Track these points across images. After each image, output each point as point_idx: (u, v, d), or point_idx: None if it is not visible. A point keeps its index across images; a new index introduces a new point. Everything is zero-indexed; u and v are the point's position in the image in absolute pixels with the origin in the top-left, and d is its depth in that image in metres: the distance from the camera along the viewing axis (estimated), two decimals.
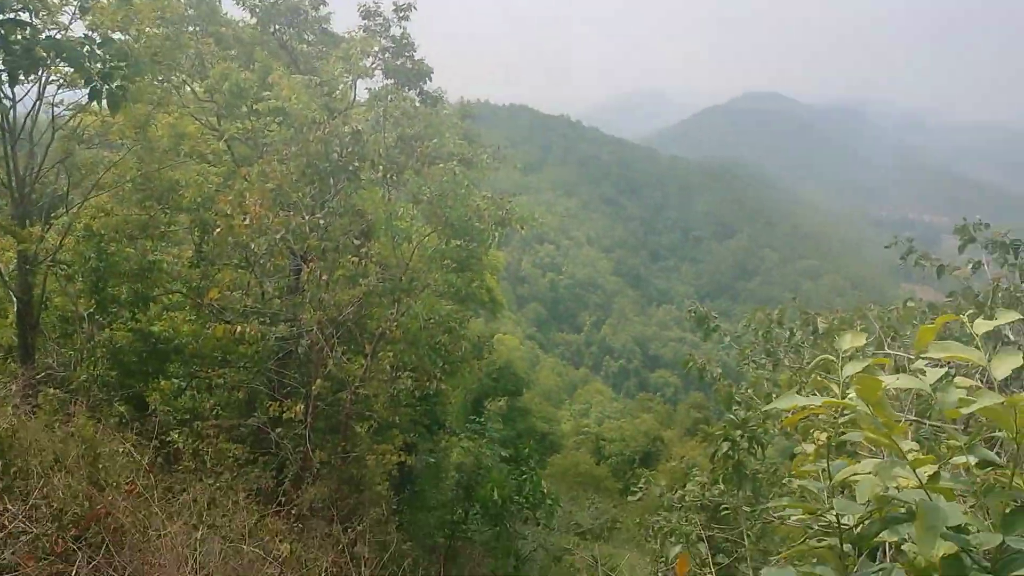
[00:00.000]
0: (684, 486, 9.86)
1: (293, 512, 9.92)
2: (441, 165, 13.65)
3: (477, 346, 16.51)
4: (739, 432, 8.15)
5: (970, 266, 8.24)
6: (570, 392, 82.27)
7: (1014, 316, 1.67)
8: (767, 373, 9.27)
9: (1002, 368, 1.47)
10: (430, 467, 19.47)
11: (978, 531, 1.48)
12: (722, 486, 8.83)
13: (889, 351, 7.98)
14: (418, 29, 18.48)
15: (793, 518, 1.82)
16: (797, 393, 1.72)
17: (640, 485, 9.94)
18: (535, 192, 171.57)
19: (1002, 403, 1.37)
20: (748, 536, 7.90)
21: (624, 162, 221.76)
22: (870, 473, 1.53)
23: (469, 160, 14.59)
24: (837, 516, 1.72)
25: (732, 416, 8.29)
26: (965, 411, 1.42)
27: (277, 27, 17.32)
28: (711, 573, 6.53)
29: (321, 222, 12.14)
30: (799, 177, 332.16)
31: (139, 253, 13.29)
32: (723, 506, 9.05)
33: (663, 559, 8.97)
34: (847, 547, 1.75)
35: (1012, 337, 7.47)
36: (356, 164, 12.64)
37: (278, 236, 11.95)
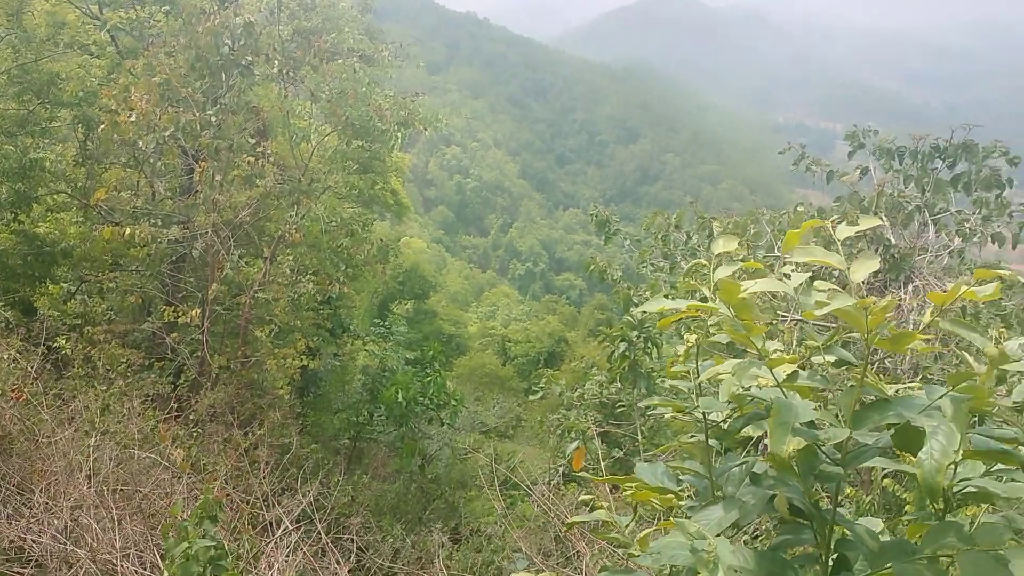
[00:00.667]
0: (584, 385, 10.17)
1: (191, 417, 9.79)
2: (340, 61, 13.13)
3: (382, 249, 16.34)
4: (635, 333, 8.42)
5: (858, 172, 8.53)
6: (477, 295, 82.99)
7: (875, 222, 1.73)
8: (665, 275, 9.51)
9: (860, 272, 1.53)
10: (335, 370, 19.44)
11: (830, 427, 1.56)
12: (619, 384, 9.16)
13: (779, 254, 8.29)
14: None
15: (666, 415, 1.89)
16: (669, 297, 1.75)
17: (541, 384, 10.21)
18: (441, 92, 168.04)
19: (854, 305, 1.42)
20: (641, 431, 8.26)
21: (532, 63, 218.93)
22: (731, 373, 1.59)
23: (370, 57, 14.08)
24: (703, 414, 1.80)
25: (629, 317, 8.53)
26: (819, 312, 1.48)
27: None
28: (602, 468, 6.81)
29: (213, 119, 11.60)
30: (703, 81, 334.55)
31: (19, 151, 12.47)
32: (619, 403, 9.40)
33: (561, 454, 9.30)
34: (714, 442, 1.84)
35: (894, 240, 7.83)
36: (249, 58, 12.04)
37: (167, 134, 11.39)
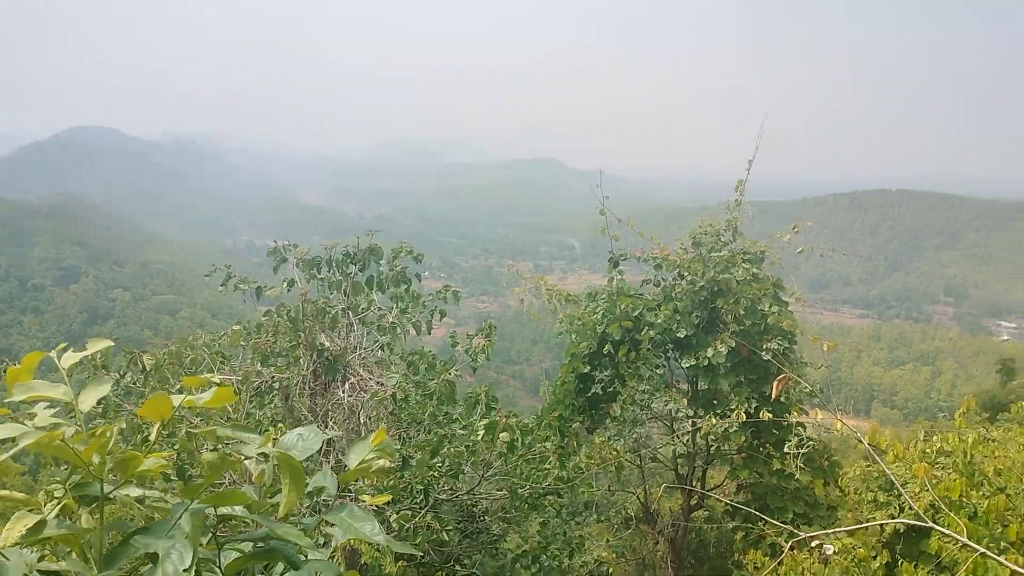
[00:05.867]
0: None
1: None
2: None
3: None
4: None
5: (285, 284, 8.84)
6: None
7: (104, 343, 1.69)
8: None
9: (88, 400, 1.45)
10: None
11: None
12: None
13: (219, 376, 8.13)
14: None
15: None
16: None
17: None
18: None
19: (47, 439, 1.32)
20: None
21: None
22: None
23: None
24: None
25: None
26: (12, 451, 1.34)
27: None
28: None
29: None
30: (148, 213, 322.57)
31: None
32: None
33: None
34: None
35: (327, 344, 8.21)
36: None
37: None
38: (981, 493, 5.34)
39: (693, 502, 10.63)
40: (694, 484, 10.68)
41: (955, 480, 5.26)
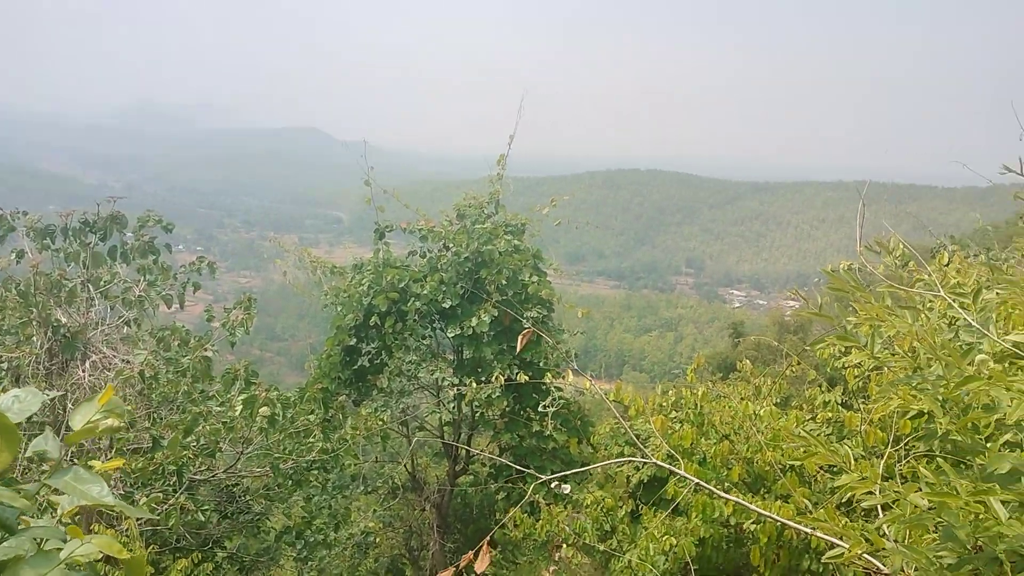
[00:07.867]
0: None
1: None
2: None
3: None
4: None
5: (13, 255, 8.00)
6: None
7: None
8: None
9: None
10: None
11: None
12: None
13: None
14: None
15: None
16: None
17: None
18: None
19: None
20: None
21: None
22: None
23: None
24: None
25: None
26: None
27: None
28: None
29: None
30: None
31: None
32: None
33: None
34: None
35: (64, 320, 7.52)
36: None
37: None
38: (710, 441, 5.93)
39: (459, 468, 10.91)
40: (459, 451, 10.96)
41: (687, 430, 5.80)
